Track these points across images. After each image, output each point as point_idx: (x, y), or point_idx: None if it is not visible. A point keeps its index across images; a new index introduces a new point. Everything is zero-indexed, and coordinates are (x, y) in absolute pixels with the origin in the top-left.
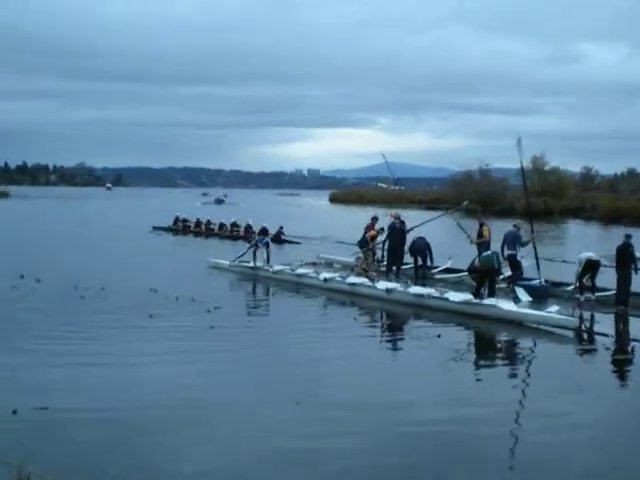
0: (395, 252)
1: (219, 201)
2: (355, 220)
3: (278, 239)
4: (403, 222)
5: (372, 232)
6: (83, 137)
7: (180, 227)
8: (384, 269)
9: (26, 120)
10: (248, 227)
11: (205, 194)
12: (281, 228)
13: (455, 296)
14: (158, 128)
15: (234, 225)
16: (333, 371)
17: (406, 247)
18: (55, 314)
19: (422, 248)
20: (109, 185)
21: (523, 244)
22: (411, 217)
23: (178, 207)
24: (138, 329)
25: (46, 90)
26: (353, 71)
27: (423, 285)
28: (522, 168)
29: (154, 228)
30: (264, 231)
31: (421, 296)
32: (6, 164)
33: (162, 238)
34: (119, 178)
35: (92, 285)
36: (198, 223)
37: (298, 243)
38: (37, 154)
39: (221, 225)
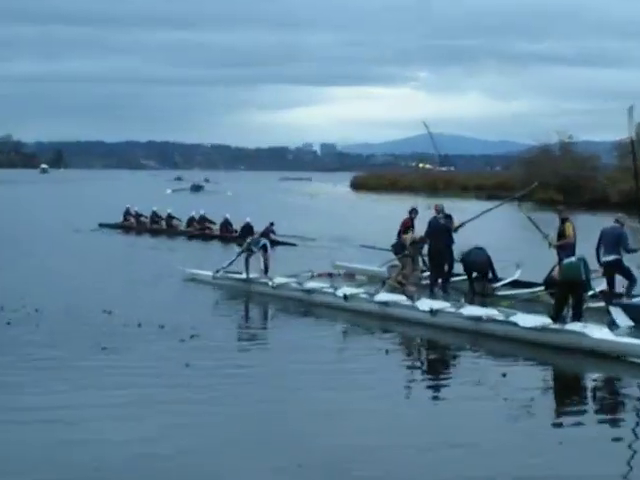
0: (438, 258)
1: (196, 188)
2: (388, 214)
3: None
4: (449, 217)
5: (408, 235)
6: (8, 99)
7: (133, 223)
8: (427, 282)
9: None
10: (226, 223)
11: (179, 179)
12: (271, 224)
13: (526, 319)
14: (112, 86)
15: (204, 220)
16: (353, 432)
17: (455, 252)
18: None
19: (481, 263)
20: (44, 166)
21: (630, 250)
22: (464, 211)
23: (139, 196)
24: (85, 369)
25: None
26: (379, 10)
27: (482, 304)
28: (632, 144)
29: (100, 225)
30: (247, 229)
31: (479, 319)
32: None
33: (112, 238)
34: (58, 156)
35: (22, 305)
36: (155, 218)
37: (293, 244)
38: None
39: (190, 220)
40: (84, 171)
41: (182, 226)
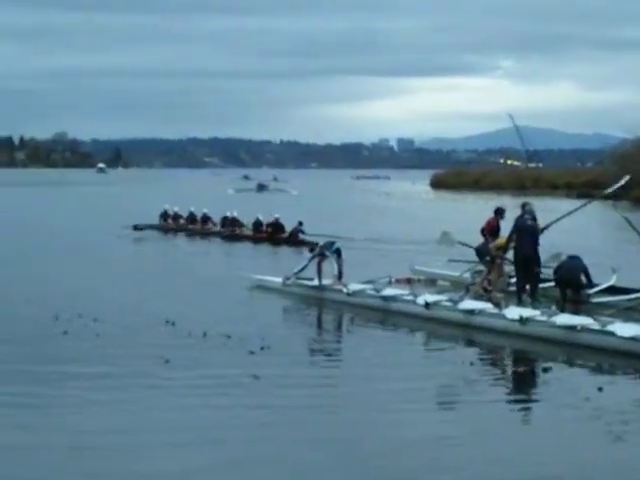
0: (526, 263)
1: (261, 187)
2: (471, 215)
3: (294, 240)
4: (534, 218)
5: (500, 240)
6: (63, 95)
7: (170, 224)
8: (514, 288)
9: None
10: (257, 224)
11: (246, 177)
12: (300, 224)
13: (624, 329)
14: (173, 80)
15: (235, 221)
16: (441, 462)
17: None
18: (25, 361)
19: (577, 278)
20: (102, 166)
21: None
22: (553, 210)
23: (199, 197)
24: (145, 386)
25: (6, 27)
26: None
27: (575, 312)
28: None
29: (135, 228)
30: (277, 227)
31: (572, 329)
32: None
33: (151, 242)
34: (117, 155)
35: (79, 314)
36: (191, 218)
37: (316, 244)
38: None
39: (224, 220)
40: (143, 170)
41: (249, 229)
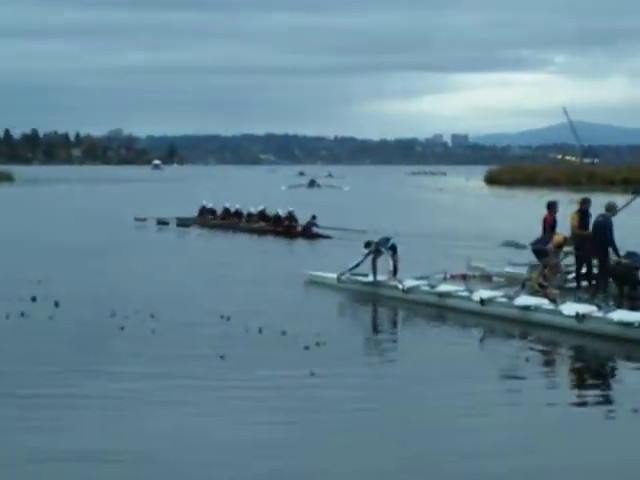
0: (602, 260)
1: (312, 183)
2: (526, 211)
3: (308, 233)
4: (607, 216)
5: (558, 237)
6: (118, 92)
7: (206, 219)
8: (571, 285)
9: (35, 69)
10: (283, 218)
11: (302, 174)
12: (313, 218)
13: None
14: (227, 76)
15: (263, 215)
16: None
17: None
18: (82, 358)
19: (633, 270)
20: (157, 162)
21: None
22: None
23: (253, 193)
24: (201, 385)
25: (62, 26)
26: None
27: (632, 309)
28: None
29: (179, 221)
30: (292, 220)
31: (630, 325)
32: (7, 133)
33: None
34: (172, 152)
35: (135, 310)
36: (225, 213)
37: (328, 237)
38: (52, 118)
39: (249, 215)
40: (198, 167)
41: (298, 225)
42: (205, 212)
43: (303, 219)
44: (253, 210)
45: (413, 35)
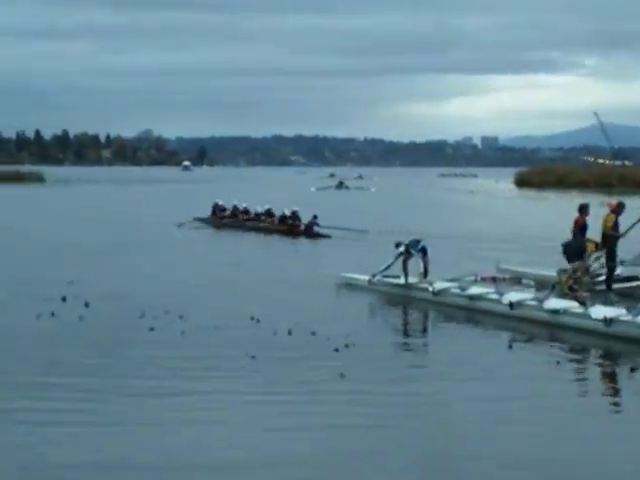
0: None
1: (341, 185)
2: (556, 213)
3: (309, 232)
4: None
5: (590, 246)
6: (147, 93)
7: (218, 218)
8: (602, 287)
9: (64, 69)
10: (283, 217)
11: (332, 175)
12: (314, 217)
13: None
14: (257, 78)
15: (269, 213)
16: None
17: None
18: (113, 358)
19: None
20: (187, 163)
21: None
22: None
23: (282, 194)
24: (234, 380)
25: (91, 26)
26: None
27: None
28: None
29: (196, 220)
30: (295, 219)
31: None
32: (38, 133)
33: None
34: (202, 153)
35: (164, 311)
36: (235, 212)
37: (328, 237)
38: (82, 119)
39: (257, 214)
40: (228, 168)
41: (300, 225)
42: (217, 210)
43: (326, 219)
44: (260, 209)
45: (441, 36)
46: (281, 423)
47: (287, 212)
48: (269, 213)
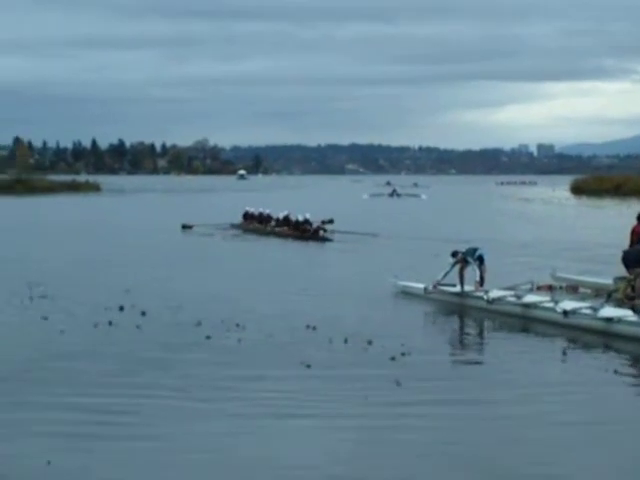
0: None
1: (393, 192)
2: (613, 222)
3: (316, 236)
4: None
5: None
6: (204, 102)
7: (247, 224)
8: None
9: (122, 80)
10: (298, 222)
11: (389, 183)
12: (323, 223)
13: None
14: (311, 87)
15: (286, 220)
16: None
17: None
18: (171, 367)
19: None
20: (242, 172)
21: None
22: None
23: (335, 201)
24: (287, 393)
25: (150, 36)
26: None
27: None
28: None
29: (231, 226)
30: (306, 224)
31: None
32: (94, 144)
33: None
34: (257, 162)
35: (221, 319)
36: (262, 218)
37: (331, 240)
38: (138, 129)
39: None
40: (283, 177)
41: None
42: (247, 217)
43: (379, 226)
44: (281, 215)
45: (492, 44)
46: (337, 432)
47: (300, 218)
48: (286, 219)
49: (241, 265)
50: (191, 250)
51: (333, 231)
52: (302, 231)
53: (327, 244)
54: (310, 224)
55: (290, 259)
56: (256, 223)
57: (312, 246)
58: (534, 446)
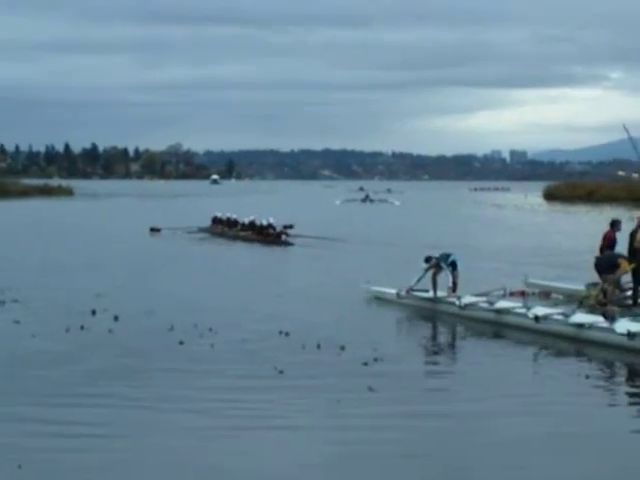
0: None
1: (365, 198)
2: (585, 228)
3: (278, 240)
4: None
5: (624, 265)
6: (176, 107)
7: (214, 228)
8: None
9: (94, 84)
10: (261, 226)
11: (362, 189)
12: (284, 227)
13: None
14: (284, 92)
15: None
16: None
17: None
18: (143, 374)
19: None
20: (215, 177)
21: None
22: None
23: (307, 207)
24: (259, 401)
25: (119, 40)
26: (565, 3)
27: None
28: None
29: (200, 230)
30: (270, 228)
31: None
32: (67, 147)
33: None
34: (230, 167)
35: (193, 325)
36: (229, 222)
37: (292, 244)
38: (111, 133)
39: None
40: (256, 182)
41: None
42: (215, 221)
43: (350, 232)
44: (246, 220)
45: (462, 51)
46: (309, 437)
47: (265, 222)
48: (252, 224)
49: (211, 269)
50: (162, 254)
51: (298, 236)
52: (265, 235)
53: (291, 248)
54: (274, 228)
55: (260, 264)
56: (224, 227)
57: (277, 250)
58: (505, 454)
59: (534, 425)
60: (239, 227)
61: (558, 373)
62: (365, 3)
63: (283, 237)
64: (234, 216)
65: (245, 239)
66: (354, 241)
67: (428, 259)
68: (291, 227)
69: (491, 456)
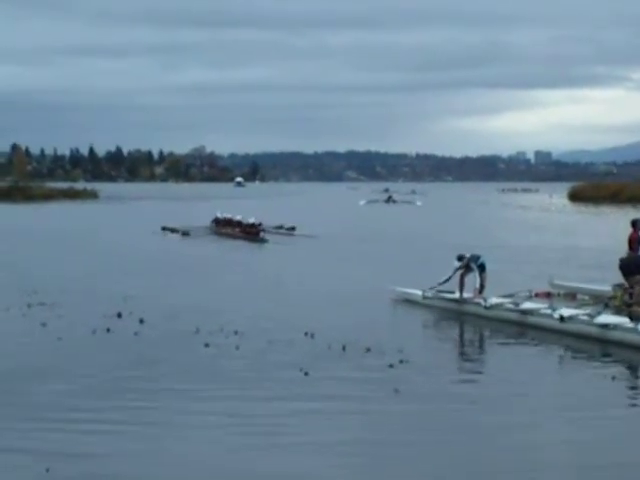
0: None
1: (389, 199)
2: (610, 229)
3: (257, 238)
4: None
5: None
6: (201, 110)
7: (211, 227)
8: None
9: (118, 87)
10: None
11: (387, 190)
12: (259, 225)
13: None
14: (308, 94)
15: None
16: None
17: None
18: (168, 375)
19: None
20: (240, 179)
21: None
22: None
23: (332, 207)
24: (283, 400)
25: (144, 44)
26: (586, 3)
27: None
28: None
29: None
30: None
31: None
32: (92, 151)
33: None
34: (254, 169)
35: (220, 327)
36: (225, 221)
37: (265, 241)
38: (135, 136)
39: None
40: (280, 184)
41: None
42: (217, 221)
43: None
44: (239, 218)
45: (484, 52)
46: (335, 438)
47: (251, 221)
48: (240, 222)
49: (232, 272)
50: (184, 256)
51: (311, 236)
52: (247, 232)
53: (313, 248)
54: (258, 226)
55: (281, 265)
56: (224, 227)
57: (300, 250)
58: (532, 458)
59: (562, 431)
60: (238, 228)
61: (584, 375)
62: (387, 5)
63: (261, 234)
64: (228, 215)
65: (235, 237)
66: (386, 240)
67: (461, 257)
68: (293, 229)
69: (517, 460)
